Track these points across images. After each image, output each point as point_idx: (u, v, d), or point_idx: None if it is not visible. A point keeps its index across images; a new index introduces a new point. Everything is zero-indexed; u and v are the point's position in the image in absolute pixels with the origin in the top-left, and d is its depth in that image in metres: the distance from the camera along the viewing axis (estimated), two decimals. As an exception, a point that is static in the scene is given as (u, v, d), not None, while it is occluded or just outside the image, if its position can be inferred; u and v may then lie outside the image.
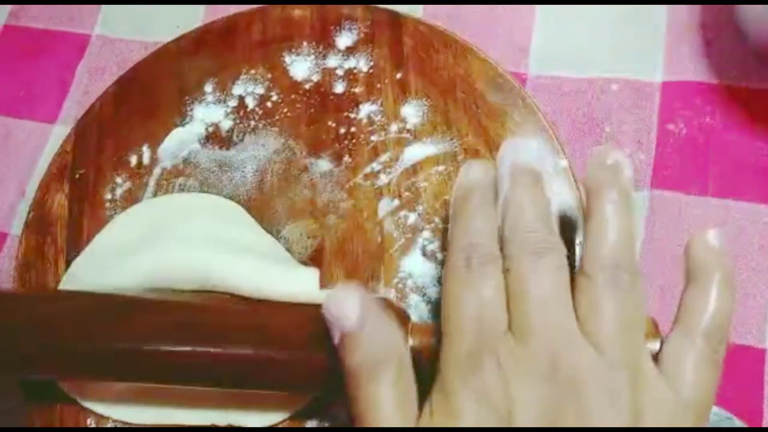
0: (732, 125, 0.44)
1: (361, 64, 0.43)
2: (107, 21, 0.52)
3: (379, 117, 0.42)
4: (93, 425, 0.38)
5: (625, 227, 0.31)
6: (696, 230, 0.42)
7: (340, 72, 0.43)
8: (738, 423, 0.38)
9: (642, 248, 0.42)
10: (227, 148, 0.43)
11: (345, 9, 0.44)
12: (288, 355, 0.34)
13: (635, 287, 0.30)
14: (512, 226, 0.32)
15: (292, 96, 0.43)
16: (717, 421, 0.38)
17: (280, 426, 0.37)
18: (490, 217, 0.33)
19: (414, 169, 0.41)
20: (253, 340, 0.34)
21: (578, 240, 0.35)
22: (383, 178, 0.41)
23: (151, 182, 0.42)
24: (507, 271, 0.31)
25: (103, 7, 0.52)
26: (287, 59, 0.44)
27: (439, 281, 0.39)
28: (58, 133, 0.49)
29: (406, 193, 0.40)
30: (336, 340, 0.31)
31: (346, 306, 0.30)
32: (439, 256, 0.39)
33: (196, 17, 0.50)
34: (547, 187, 0.34)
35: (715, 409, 0.38)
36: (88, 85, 0.50)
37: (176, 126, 0.43)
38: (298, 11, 0.45)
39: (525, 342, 0.29)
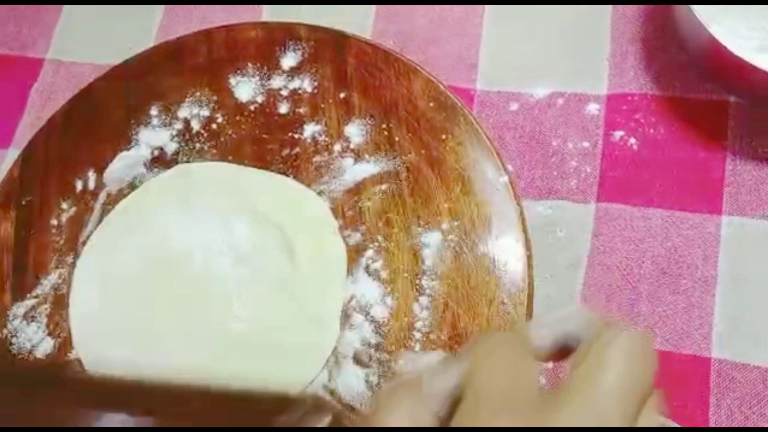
0: (675, 136, 0.44)
1: (305, 84, 0.44)
2: (60, 44, 0.52)
3: (323, 137, 0.42)
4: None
5: None
6: (641, 241, 0.43)
7: (284, 92, 0.44)
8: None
9: (588, 260, 0.43)
10: (173, 171, 0.43)
11: (290, 28, 0.45)
12: None
13: None
14: None
15: (237, 117, 0.43)
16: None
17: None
18: None
19: (357, 189, 0.41)
20: None
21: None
22: (326, 199, 0.41)
23: (97, 207, 0.42)
24: None
25: (57, 30, 0.52)
26: (232, 81, 0.44)
27: (383, 300, 0.39)
28: (12, 157, 0.49)
29: (349, 213, 0.41)
30: None
31: None
32: (383, 274, 0.39)
33: (148, 38, 0.51)
34: None
35: (660, 419, 0.39)
36: (41, 108, 0.50)
37: (122, 150, 0.43)
38: (243, 32, 0.45)
39: None
